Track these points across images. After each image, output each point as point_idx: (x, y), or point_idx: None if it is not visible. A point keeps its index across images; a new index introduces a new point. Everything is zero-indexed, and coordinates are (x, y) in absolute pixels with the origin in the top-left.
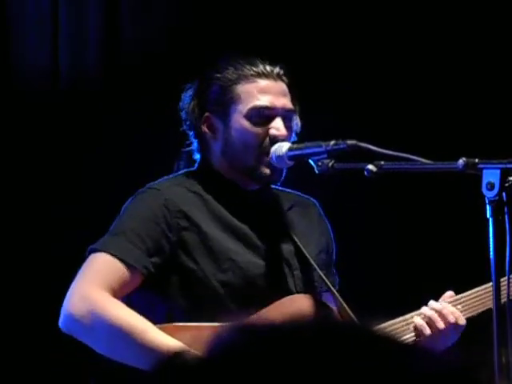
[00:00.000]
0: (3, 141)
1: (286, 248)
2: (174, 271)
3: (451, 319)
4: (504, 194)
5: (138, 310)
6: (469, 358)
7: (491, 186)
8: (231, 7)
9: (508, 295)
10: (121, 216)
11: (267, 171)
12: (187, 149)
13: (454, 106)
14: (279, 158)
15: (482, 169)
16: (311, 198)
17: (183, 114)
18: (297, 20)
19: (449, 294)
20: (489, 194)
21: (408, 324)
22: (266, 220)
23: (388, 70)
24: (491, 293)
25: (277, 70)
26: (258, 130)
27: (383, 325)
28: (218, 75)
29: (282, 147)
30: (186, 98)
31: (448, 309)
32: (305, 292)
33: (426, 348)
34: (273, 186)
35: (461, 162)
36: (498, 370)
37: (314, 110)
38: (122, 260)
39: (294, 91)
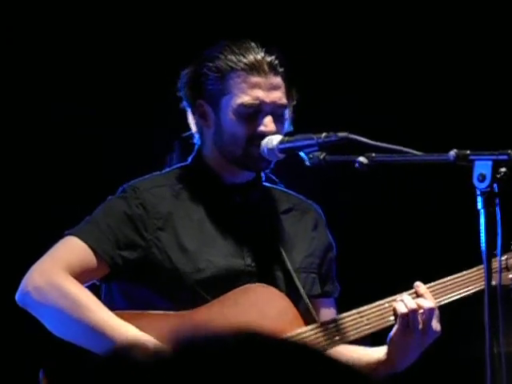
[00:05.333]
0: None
1: (267, 248)
2: (148, 268)
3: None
4: (495, 185)
5: (117, 300)
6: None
7: (482, 178)
8: None
9: (500, 284)
10: (99, 208)
11: (255, 159)
12: (186, 134)
13: (445, 98)
14: (270, 150)
15: (473, 160)
16: (314, 204)
17: (181, 93)
18: (299, 13)
19: (418, 283)
20: (480, 186)
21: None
22: (250, 218)
23: (381, 63)
24: (465, 279)
25: (270, 59)
26: (247, 125)
27: (364, 307)
28: (211, 64)
29: (273, 140)
30: (182, 80)
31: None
32: (287, 292)
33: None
34: (276, 187)
35: (452, 153)
36: (489, 360)
37: (307, 103)
38: (89, 246)
39: (291, 81)
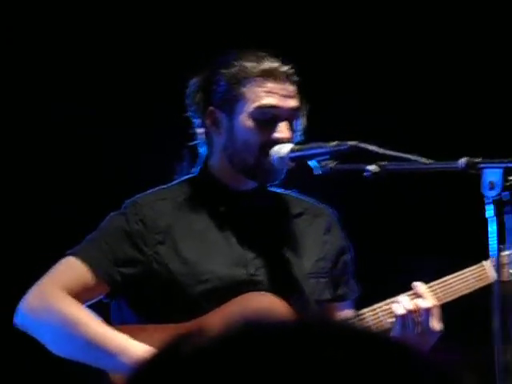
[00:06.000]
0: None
1: (274, 255)
2: (150, 282)
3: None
4: (506, 193)
5: (127, 316)
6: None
7: (492, 186)
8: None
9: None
10: (100, 226)
11: (266, 171)
12: (192, 143)
13: (453, 106)
14: (280, 159)
15: (482, 168)
16: (327, 207)
17: (189, 102)
18: (306, 21)
19: (416, 283)
20: (490, 194)
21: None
22: (255, 225)
23: (389, 71)
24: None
25: (285, 69)
26: (262, 131)
27: (364, 310)
28: (225, 71)
29: (284, 148)
30: (192, 87)
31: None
32: (293, 299)
33: (415, 346)
34: (287, 192)
35: (462, 161)
36: (500, 367)
37: (317, 111)
38: (87, 265)
39: (304, 92)
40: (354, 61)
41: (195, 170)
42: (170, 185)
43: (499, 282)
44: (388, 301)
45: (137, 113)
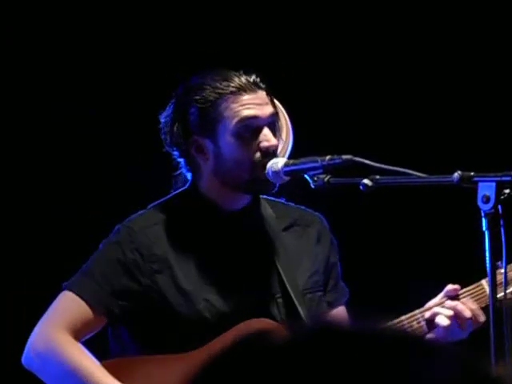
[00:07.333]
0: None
1: (269, 275)
2: (147, 312)
3: (467, 314)
4: (500, 206)
5: (127, 343)
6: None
7: (487, 199)
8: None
9: (505, 309)
10: (94, 255)
11: (261, 182)
12: (177, 172)
13: (448, 119)
14: (275, 173)
15: (477, 182)
16: (316, 214)
17: (165, 136)
18: (306, 21)
19: (452, 287)
20: (484, 207)
21: (411, 322)
22: (249, 245)
23: (384, 85)
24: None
25: (253, 78)
26: (249, 145)
27: (390, 322)
28: (197, 97)
29: (278, 163)
30: (166, 119)
31: (468, 304)
32: (288, 318)
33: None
34: (276, 200)
35: (456, 175)
36: None
37: (311, 124)
38: (85, 301)
39: (272, 94)
40: (350, 71)
41: (184, 188)
42: (160, 203)
43: (494, 298)
44: (417, 311)
45: (137, 113)
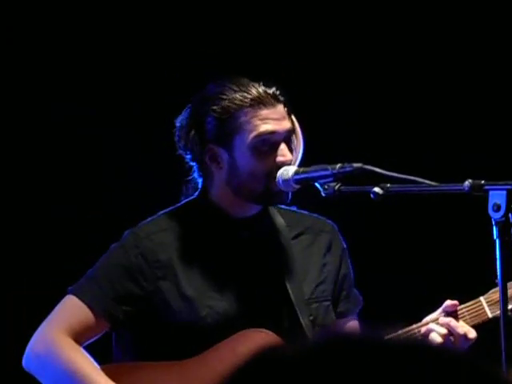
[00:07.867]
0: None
1: (274, 283)
2: (150, 318)
3: (460, 331)
4: (510, 215)
5: (128, 348)
6: None
7: (497, 208)
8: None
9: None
10: (100, 260)
11: (274, 194)
12: (189, 177)
13: (448, 119)
14: (285, 181)
15: (488, 190)
16: (329, 222)
17: (179, 140)
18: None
19: (451, 303)
20: (495, 216)
21: (411, 335)
22: (256, 253)
23: (384, 85)
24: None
25: (272, 91)
26: (265, 159)
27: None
28: (214, 107)
29: (289, 171)
30: (182, 123)
31: (455, 322)
32: (292, 330)
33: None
34: (287, 208)
35: (467, 183)
36: None
37: (311, 124)
38: (88, 306)
39: (290, 108)
40: (350, 72)
41: (195, 196)
42: (170, 211)
43: (505, 307)
44: (414, 326)
45: (137, 113)
